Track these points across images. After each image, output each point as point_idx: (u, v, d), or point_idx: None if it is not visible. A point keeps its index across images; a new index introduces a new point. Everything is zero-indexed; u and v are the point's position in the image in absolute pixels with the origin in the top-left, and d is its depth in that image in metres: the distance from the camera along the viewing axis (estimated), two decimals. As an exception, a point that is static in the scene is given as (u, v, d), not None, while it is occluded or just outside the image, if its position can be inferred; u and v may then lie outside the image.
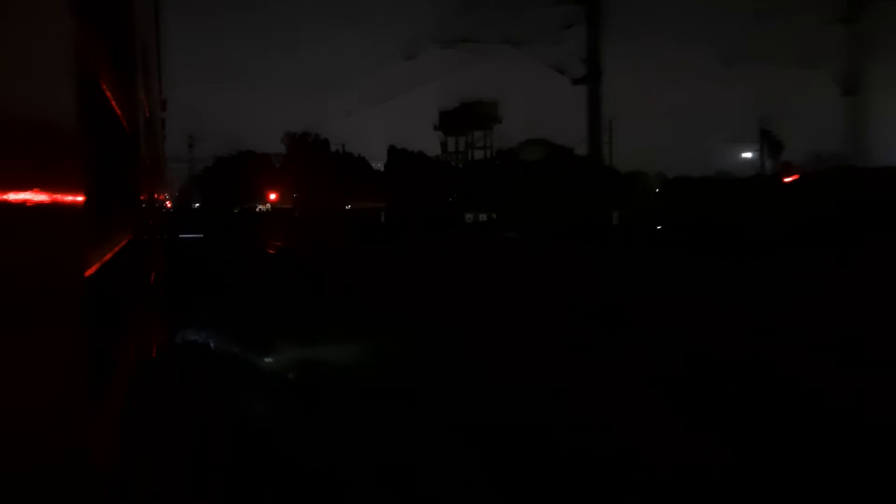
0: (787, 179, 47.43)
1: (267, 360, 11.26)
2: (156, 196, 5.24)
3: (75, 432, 0.98)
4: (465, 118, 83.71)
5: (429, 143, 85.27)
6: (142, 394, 2.38)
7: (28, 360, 0.78)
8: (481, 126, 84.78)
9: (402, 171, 69.44)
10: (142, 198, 3.05)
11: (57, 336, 0.92)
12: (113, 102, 2.26)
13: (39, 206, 0.84)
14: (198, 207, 74.18)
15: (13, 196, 0.73)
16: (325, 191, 68.54)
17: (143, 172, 3.13)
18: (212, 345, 11.18)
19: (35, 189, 0.82)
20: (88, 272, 1.34)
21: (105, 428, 1.41)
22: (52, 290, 0.92)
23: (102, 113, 2.15)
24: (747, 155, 68.79)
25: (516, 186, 58.88)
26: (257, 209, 74.63)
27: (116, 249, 2.17)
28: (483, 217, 63.72)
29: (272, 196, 74.46)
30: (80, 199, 1.14)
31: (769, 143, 54.62)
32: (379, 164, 75.65)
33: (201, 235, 37.72)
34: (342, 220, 57.30)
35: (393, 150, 73.78)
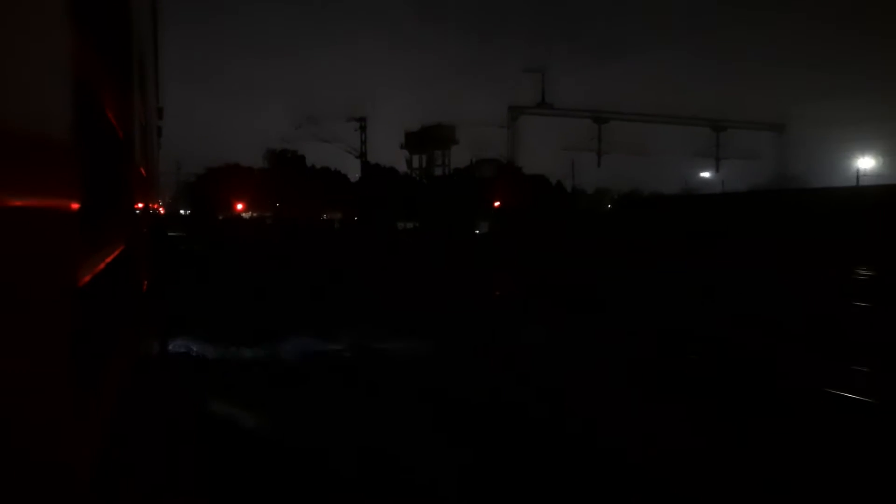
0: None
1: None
2: (150, 205, 4.86)
3: (61, 443, 0.89)
4: (426, 139, 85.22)
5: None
6: (133, 403, 2.09)
7: (18, 368, 0.71)
8: (440, 146, 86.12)
9: (372, 184, 70.14)
10: (136, 206, 2.75)
11: (48, 345, 0.84)
12: (108, 110, 2.00)
13: (32, 214, 0.77)
14: (189, 214, 73.09)
15: (6, 204, 0.67)
16: (301, 201, 68.60)
17: (138, 180, 2.83)
18: (196, 346, 10.67)
19: (28, 197, 0.75)
20: (81, 281, 1.22)
21: (92, 437, 1.26)
22: (44, 299, 0.83)
23: (97, 120, 1.92)
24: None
25: (429, 201, 65.79)
26: (240, 216, 74.14)
27: (110, 259, 1.91)
28: (409, 225, 67.51)
29: (239, 206, 74.14)
30: (74, 207, 1.03)
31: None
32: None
33: (190, 237, 43.54)
34: (302, 225, 58.88)
35: (367, 165, 74.47)
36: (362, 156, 77.23)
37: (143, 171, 3.27)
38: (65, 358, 0.91)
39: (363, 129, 76.50)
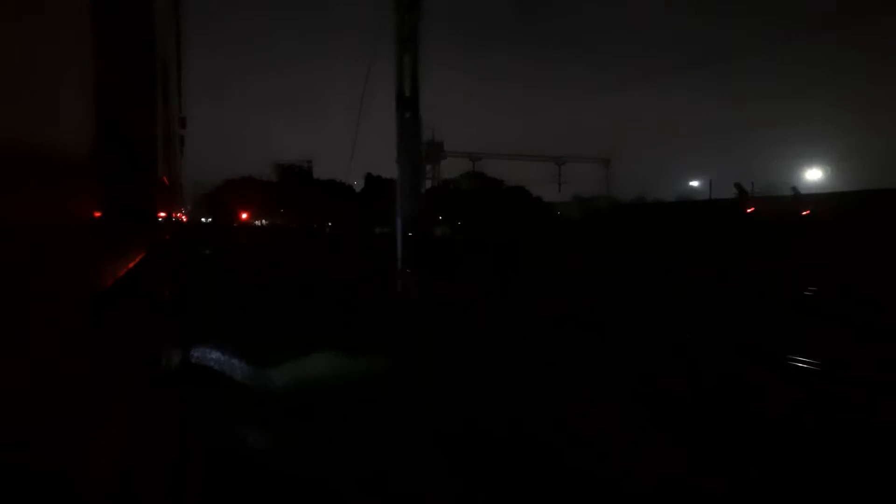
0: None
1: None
2: (173, 214, 4.57)
3: (75, 453, 0.79)
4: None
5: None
6: (149, 414, 1.87)
7: (39, 374, 0.65)
8: (430, 161, 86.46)
9: (373, 194, 70.90)
10: (158, 214, 2.51)
11: (68, 351, 0.76)
12: (131, 118, 1.80)
13: (55, 223, 0.72)
14: (209, 222, 72.98)
15: (29, 211, 0.63)
16: (306, 210, 68.97)
17: (161, 189, 2.59)
18: (218, 355, 10.21)
19: (50, 204, 0.70)
20: (102, 287, 1.12)
21: (111, 448, 1.15)
22: (65, 306, 0.76)
23: (120, 129, 1.73)
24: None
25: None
26: (253, 223, 74.31)
27: (131, 265, 1.70)
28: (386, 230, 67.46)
29: (252, 214, 74.24)
30: (96, 215, 0.96)
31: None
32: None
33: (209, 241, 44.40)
34: (298, 231, 59.33)
35: (370, 177, 75.06)
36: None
37: (165, 180, 3.02)
38: (85, 364, 0.83)
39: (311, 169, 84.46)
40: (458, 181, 78.15)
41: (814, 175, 49.54)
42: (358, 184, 77.22)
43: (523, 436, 6.21)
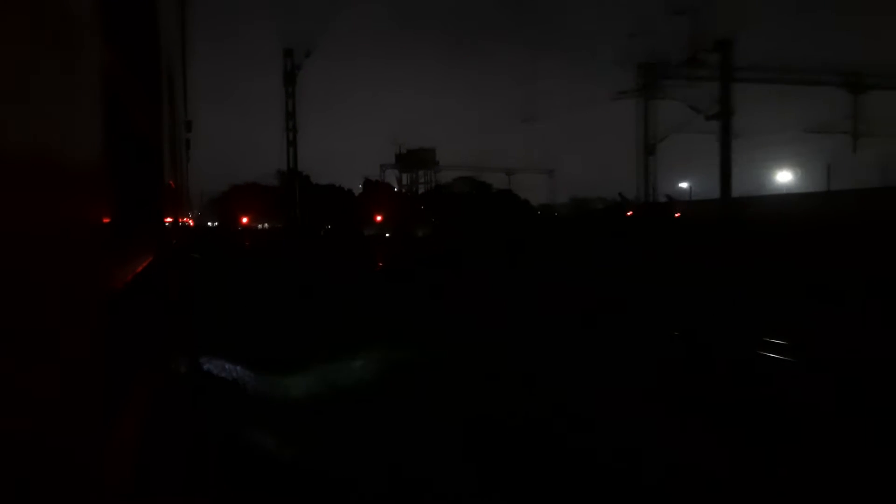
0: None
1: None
2: (180, 218, 4.47)
3: (86, 458, 0.77)
4: (412, 160, 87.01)
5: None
6: (161, 412, 1.80)
7: (50, 378, 0.64)
8: (424, 167, 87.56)
9: (370, 198, 71.44)
10: (165, 218, 2.43)
11: (77, 356, 0.73)
12: (138, 124, 1.73)
13: (62, 227, 0.69)
14: (215, 226, 72.96)
15: (43, 215, 0.61)
16: (305, 214, 69.40)
17: (167, 193, 2.51)
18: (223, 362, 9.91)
19: (64, 209, 0.69)
20: (114, 291, 1.10)
21: (124, 450, 1.12)
22: (72, 311, 0.73)
23: (127, 134, 1.67)
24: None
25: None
26: (255, 227, 74.38)
27: (139, 270, 1.63)
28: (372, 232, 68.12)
29: (252, 219, 74.25)
30: (104, 220, 0.94)
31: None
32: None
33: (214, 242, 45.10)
34: (298, 234, 59.87)
35: (368, 182, 75.56)
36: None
37: (171, 184, 2.94)
38: (99, 365, 0.81)
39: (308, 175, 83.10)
40: (451, 185, 78.55)
41: (784, 177, 49.45)
42: (359, 188, 77.52)
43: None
